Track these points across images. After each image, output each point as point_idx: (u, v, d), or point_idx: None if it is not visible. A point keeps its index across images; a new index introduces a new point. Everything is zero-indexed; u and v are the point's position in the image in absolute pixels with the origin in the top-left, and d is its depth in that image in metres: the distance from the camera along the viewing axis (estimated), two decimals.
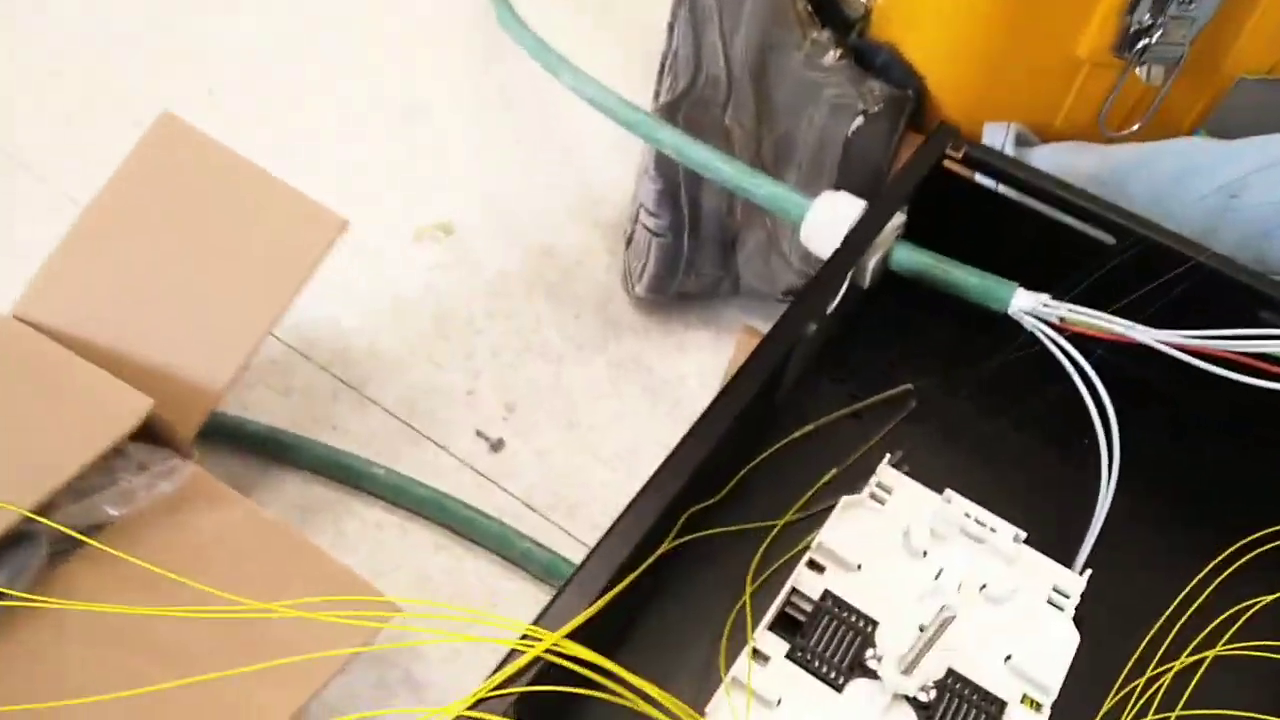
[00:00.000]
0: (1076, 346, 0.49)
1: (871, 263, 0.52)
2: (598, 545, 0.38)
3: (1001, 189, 0.55)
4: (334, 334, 0.66)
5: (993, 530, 0.46)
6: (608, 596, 0.37)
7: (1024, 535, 0.46)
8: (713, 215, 0.65)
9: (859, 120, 0.65)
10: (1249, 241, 0.59)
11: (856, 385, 0.54)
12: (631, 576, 0.39)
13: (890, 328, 0.57)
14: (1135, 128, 0.67)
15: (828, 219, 0.53)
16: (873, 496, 0.47)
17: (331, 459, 0.58)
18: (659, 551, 0.41)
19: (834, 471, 0.49)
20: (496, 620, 0.38)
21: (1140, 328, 0.49)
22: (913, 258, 0.52)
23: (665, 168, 0.64)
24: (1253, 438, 0.52)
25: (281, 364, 0.64)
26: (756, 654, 0.41)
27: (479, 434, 0.62)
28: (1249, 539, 0.49)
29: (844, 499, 0.46)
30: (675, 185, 0.64)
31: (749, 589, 0.44)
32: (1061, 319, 0.50)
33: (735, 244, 0.67)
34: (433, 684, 0.52)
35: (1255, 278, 0.50)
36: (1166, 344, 0.48)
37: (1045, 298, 0.50)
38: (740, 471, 0.47)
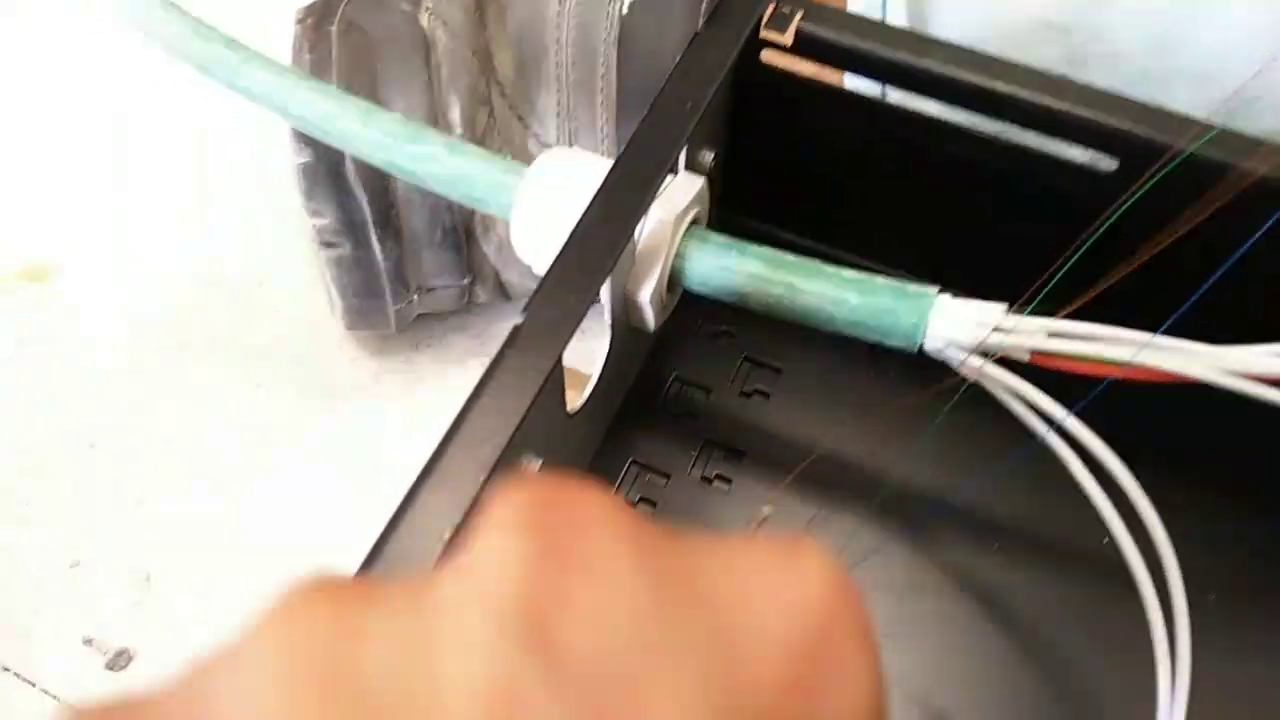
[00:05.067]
0: (1062, 395, 0.24)
1: (646, 289, 0.26)
2: None
3: (889, 92, 0.28)
4: None
5: None
6: None
7: None
8: (414, 196, 0.38)
9: None
10: None
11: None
12: None
13: (725, 374, 0.31)
14: None
15: (546, 207, 0.26)
16: None
17: None
18: None
19: None
20: None
21: (1204, 349, 0.23)
22: (726, 268, 0.26)
23: None
24: None
25: None
26: None
27: (88, 642, 0.37)
28: None
29: None
30: (333, 155, 0.37)
31: None
32: (1035, 352, 0.24)
33: (472, 232, 0.40)
34: None
35: None
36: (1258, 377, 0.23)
37: (996, 312, 0.24)
38: None
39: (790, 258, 0.26)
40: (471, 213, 0.39)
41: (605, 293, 0.26)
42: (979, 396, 0.25)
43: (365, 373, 0.43)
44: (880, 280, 0.25)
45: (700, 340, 0.32)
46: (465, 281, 0.41)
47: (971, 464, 0.29)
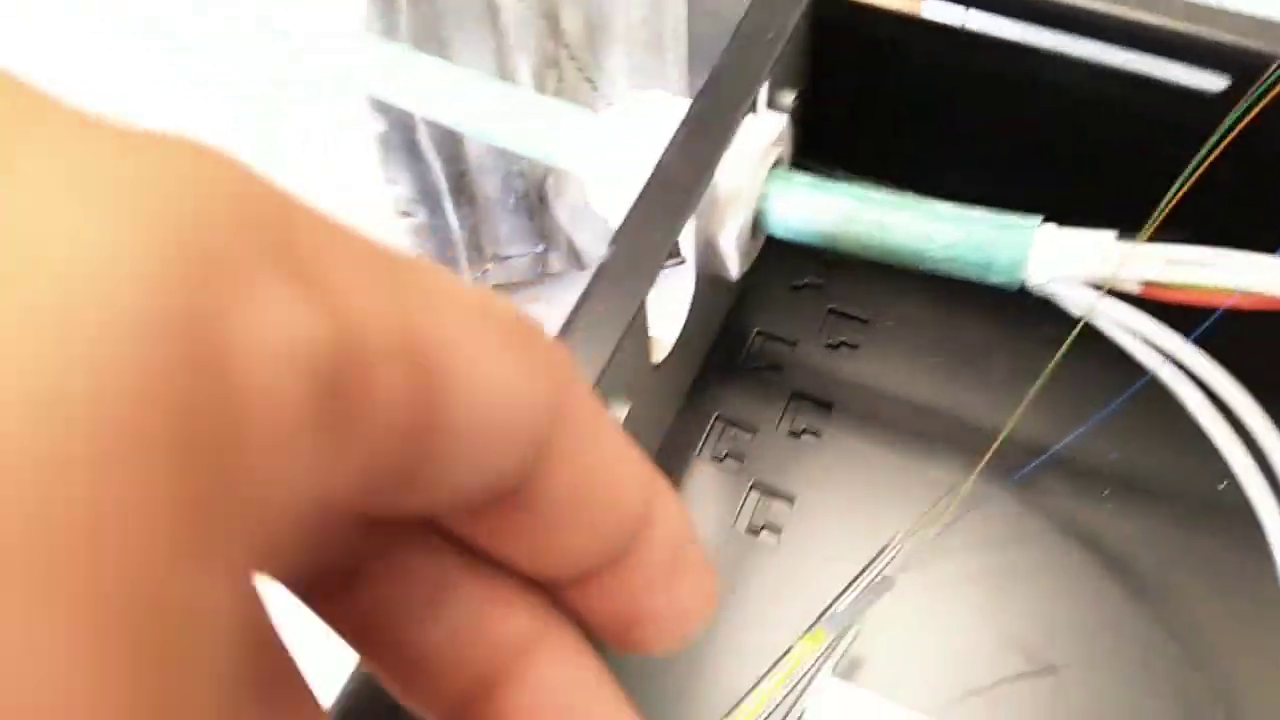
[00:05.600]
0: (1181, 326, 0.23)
1: (730, 233, 0.25)
2: None
3: (971, 18, 0.27)
4: None
5: None
6: None
7: None
8: (488, 160, 0.38)
9: None
10: None
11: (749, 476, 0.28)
12: None
13: (814, 325, 0.30)
14: None
15: (622, 153, 0.26)
16: None
17: None
18: None
19: None
20: None
21: None
22: (812, 208, 0.25)
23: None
24: None
25: None
26: None
27: None
28: None
29: None
30: (407, 123, 0.36)
31: None
32: (1148, 283, 0.23)
33: (545, 197, 0.39)
34: None
35: None
36: None
37: (1105, 240, 0.23)
38: None
39: (879, 194, 0.25)
40: (544, 177, 0.39)
41: (688, 239, 0.25)
42: (1083, 335, 0.24)
43: None
44: (977, 213, 0.24)
45: (783, 293, 0.31)
46: (539, 249, 0.41)
47: (1076, 408, 0.27)
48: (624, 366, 0.21)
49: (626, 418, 0.23)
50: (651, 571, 0.11)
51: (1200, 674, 0.25)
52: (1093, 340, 0.24)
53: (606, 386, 0.20)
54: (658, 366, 0.26)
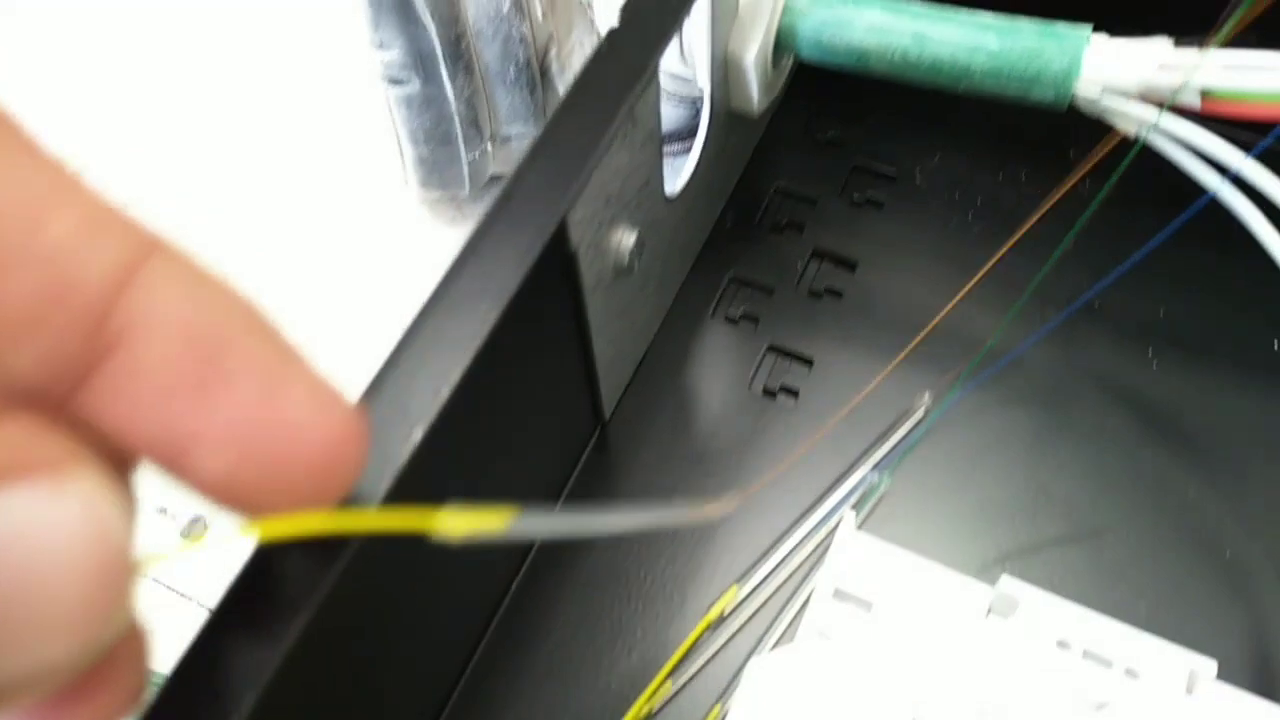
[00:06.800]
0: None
1: (751, 50, 0.23)
2: None
3: None
4: None
5: (1130, 673, 0.19)
6: None
7: (1212, 668, 0.19)
8: (485, 28, 0.35)
9: None
10: None
11: (773, 336, 0.26)
12: None
13: (840, 165, 0.28)
14: None
15: None
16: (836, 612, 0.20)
17: None
18: None
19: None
20: None
21: None
22: (842, 21, 0.23)
23: None
24: None
25: None
26: None
27: (162, 511, 0.36)
28: None
29: (752, 664, 0.19)
30: None
31: None
32: (1208, 94, 0.21)
33: (546, 70, 0.37)
34: None
35: None
36: None
37: (1161, 47, 0.21)
38: None
39: (917, 4, 0.22)
40: (545, 49, 0.37)
41: (703, 60, 0.23)
42: (1124, 184, 0.21)
43: (440, 246, 0.41)
44: (1023, 22, 0.22)
45: (804, 150, 0.29)
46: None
47: (1117, 261, 0.25)
48: (633, 188, 0.19)
49: (640, 252, 0.22)
50: (163, 373, 0.09)
51: (1249, 537, 0.23)
52: (1134, 187, 0.22)
53: (619, 207, 0.18)
54: (672, 200, 0.24)
